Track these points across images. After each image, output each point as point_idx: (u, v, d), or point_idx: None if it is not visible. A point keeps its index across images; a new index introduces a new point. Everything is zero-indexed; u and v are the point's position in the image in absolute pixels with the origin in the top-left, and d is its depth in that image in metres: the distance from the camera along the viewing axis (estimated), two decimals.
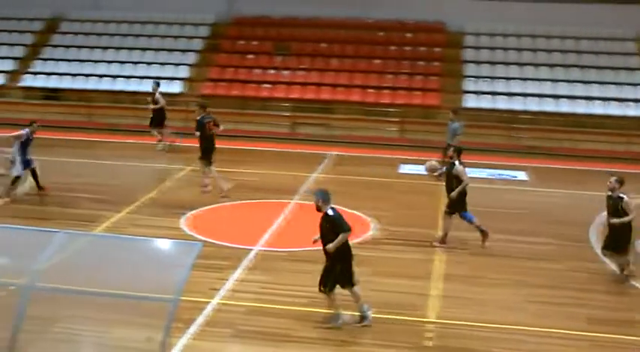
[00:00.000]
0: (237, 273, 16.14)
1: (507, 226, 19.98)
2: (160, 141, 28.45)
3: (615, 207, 15.93)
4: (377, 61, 34.68)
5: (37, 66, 35.61)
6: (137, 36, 36.52)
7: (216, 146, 22.31)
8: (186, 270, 10.70)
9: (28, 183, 21.44)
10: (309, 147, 29.15)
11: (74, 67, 35.20)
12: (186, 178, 24.27)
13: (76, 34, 36.92)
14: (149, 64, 34.98)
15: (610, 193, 16.06)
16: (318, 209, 13.57)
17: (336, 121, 32.15)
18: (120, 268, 12.61)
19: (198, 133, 22.10)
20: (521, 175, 26.27)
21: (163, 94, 29.07)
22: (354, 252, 13.69)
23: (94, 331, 13.35)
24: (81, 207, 20.88)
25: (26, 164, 21.02)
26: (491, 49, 35.20)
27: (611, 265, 16.75)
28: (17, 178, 20.96)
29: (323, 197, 13.56)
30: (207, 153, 22.20)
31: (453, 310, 14.51)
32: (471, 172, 25.44)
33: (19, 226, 14.80)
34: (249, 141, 29.83)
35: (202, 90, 33.79)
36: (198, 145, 22.37)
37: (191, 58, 35.46)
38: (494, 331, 13.68)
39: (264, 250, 17.62)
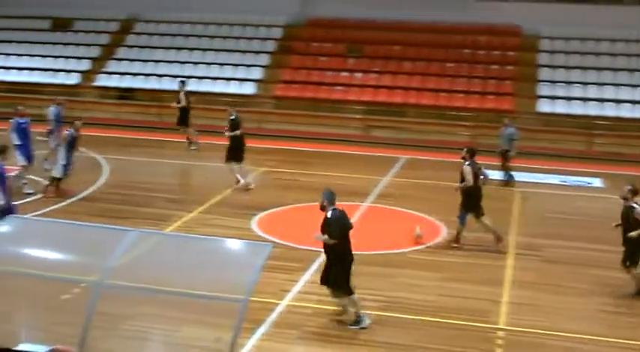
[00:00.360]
0: (307, 275, 16.10)
1: (580, 233, 19.65)
2: (190, 139, 28.81)
3: (626, 216, 15.26)
4: (450, 65, 34.42)
5: (112, 66, 36.08)
6: (212, 37, 36.75)
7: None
8: (256, 271, 10.68)
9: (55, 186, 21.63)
10: (381, 151, 29.02)
11: (148, 68, 35.57)
12: (258, 179, 24.32)
13: (150, 34, 37.32)
14: (222, 65, 35.19)
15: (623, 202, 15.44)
16: (322, 208, 13.65)
17: (408, 124, 31.97)
18: (190, 267, 12.64)
19: (232, 133, 22.92)
20: (597, 182, 25.79)
21: (192, 94, 29.46)
22: (425, 256, 13.56)
23: (163, 329, 13.42)
24: (153, 206, 21.07)
25: (68, 165, 21.25)
26: (567, 53, 34.69)
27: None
28: (56, 179, 21.17)
29: (328, 197, 13.64)
30: (239, 151, 22.92)
31: (523, 317, 14.28)
32: (545, 178, 25.29)
33: (93, 224, 14.99)
34: (321, 143, 29.82)
35: (275, 92, 33.89)
36: (228, 144, 23.09)
37: (264, 59, 35.58)
38: (566, 340, 13.42)
39: None
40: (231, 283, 11.38)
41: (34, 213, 19.05)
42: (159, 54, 36.25)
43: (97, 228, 13.24)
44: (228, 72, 34.88)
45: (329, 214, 13.54)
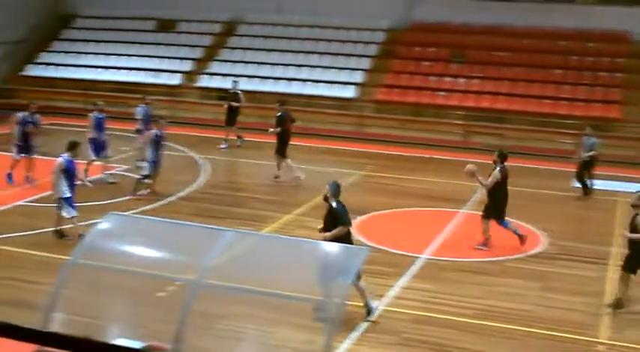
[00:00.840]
0: (403, 281, 15.96)
1: None
2: (239, 137, 29.14)
3: (632, 222, 14.61)
4: (556, 71, 33.78)
5: (214, 67, 36.46)
6: (315, 40, 36.84)
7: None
8: (352, 275, 10.61)
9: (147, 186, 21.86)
10: (482, 157, 28.41)
11: (250, 69, 35.84)
12: (357, 183, 24.27)
13: (253, 36, 37.60)
14: (325, 68, 35.24)
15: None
16: (326, 199, 13.98)
17: (510, 131, 31.44)
18: (285, 269, 12.65)
19: (279, 129, 23.53)
20: None
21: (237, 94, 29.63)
22: (523, 265, 13.30)
23: (257, 330, 13.44)
24: (251, 207, 21.18)
25: (156, 164, 21.49)
26: None
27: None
28: (146, 176, 21.41)
29: (332, 189, 13.94)
30: (285, 147, 23.58)
31: (625, 331, 13.87)
32: None
33: (190, 223, 15.11)
34: (421, 148, 29.59)
35: (376, 96, 33.79)
36: (276, 140, 23.59)
37: (366, 63, 35.52)
38: None
39: (431, 259, 17.39)
40: (326, 286, 11.35)
41: (133, 211, 19.34)
42: (261, 56, 36.49)
43: (195, 227, 13.34)
44: (330, 75, 34.91)
45: (334, 205, 13.81)
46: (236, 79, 31.57)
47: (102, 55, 38.07)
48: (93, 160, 22.81)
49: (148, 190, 21.51)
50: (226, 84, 35.12)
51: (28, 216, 19.75)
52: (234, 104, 29.03)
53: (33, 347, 9.66)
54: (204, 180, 23.72)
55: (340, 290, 10.93)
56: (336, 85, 34.34)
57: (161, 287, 13.64)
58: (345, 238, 13.59)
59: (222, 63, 36.60)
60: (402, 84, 34.18)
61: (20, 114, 22.70)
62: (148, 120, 24.92)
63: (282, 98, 25.81)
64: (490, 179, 17.77)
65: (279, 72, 35.52)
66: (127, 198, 21.25)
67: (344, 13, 36.89)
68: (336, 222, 13.71)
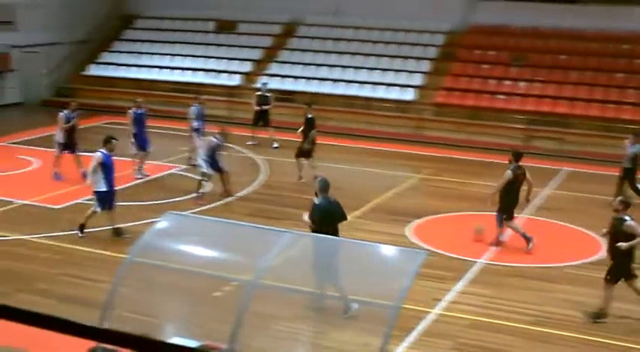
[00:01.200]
0: (460, 285, 15.84)
1: None
2: (254, 137, 29.30)
3: (616, 228, 14.20)
4: (619, 75, 33.27)
5: (273, 68, 36.54)
6: (374, 42, 36.75)
7: None
8: (409, 278, 10.54)
9: (208, 186, 21.89)
10: (542, 162, 28.26)
11: (309, 71, 35.86)
12: (414, 186, 24.16)
13: (312, 38, 37.62)
14: (384, 70, 35.13)
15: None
16: (316, 195, 14.31)
17: (572, 136, 31.04)
18: (342, 271, 12.62)
19: (314, 131, 23.82)
20: None
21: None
22: (582, 272, 13.10)
23: (312, 331, 13.42)
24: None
25: (215, 168, 21.57)
26: None
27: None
28: (205, 175, 21.50)
29: (320, 185, 14.27)
30: (313, 148, 23.75)
31: None
32: None
33: (248, 223, 15.13)
34: (480, 152, 29.32)
35: (435, 99, 33.59)
36: (302, 141, 23.77)
37: (425, 66, 35.34)
38: None
39: (488, 263, 17.23)
40: (382, 289, 11.28)
41: (191, 211, 19.45)
42: (320, 58, 36.50)
43: (251, 228, 13.35)
44: (389, 77, 34.80)
45: (316, 201, 14.19)
46: (265, 80, 32.01)
47: (162, 56, 38.38)
48: (136, 154, 23.52)
49: (205, 189, 21.62)
50: (285, 85, 35.26)
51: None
52: (265, 107, 29.24)
53: (90, 343, 9.71)
54: (262, 181, 23.78)
55: (396, 293, 10.84)
56: (394, 88, 34.21)
57: (217, 286, 13.69)
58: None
59: (281, 64, 36.67)
60: (462, 87, 33.94)
61: (63, 113, 23.05)
62: (202, 119, 25.29)
63: (311, 99, 25.94)
64: (501, 180, 18.04)
65: (337, 74, 35.49)
66: (186, 197, 21.37)
67: (403, 16, 36.71)
68: (313, 217, 14.03)
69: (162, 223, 12.02)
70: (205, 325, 12.55)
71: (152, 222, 13.99)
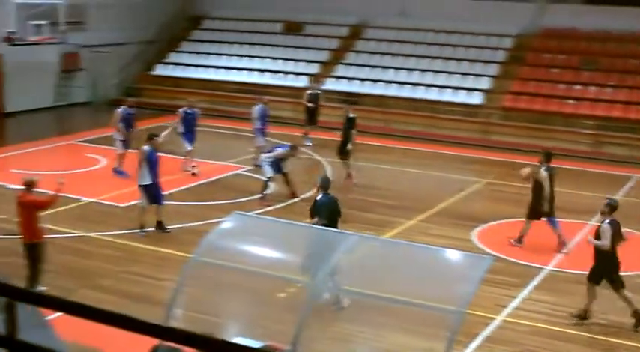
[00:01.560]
0: (526, 291, 15.64)
1: None
2: (306, 134, 29.25)
3: (597, 231, 14.51)
4: None
5: (340, 70, 36.49)
6: (442, 45, 36.51)
7: None
8: (474, 284, 10.41)
9: (272, 187, 21.89)
10: (612, 168, 27.83)
11: (376, 73, 35.75)
12: (480, 190, 23.93)
13: (380, 40, 37.50)
14: (450, 73, 34.89)
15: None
16: (317, 190, 15.04)
17: None
18: (406, 275, 12.51)
19: (355, 131, 23.74)
20: None
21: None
22: None
23: (374, 334, 13.34)
24: (373, 211, 21.09)
25: (277, 170, 21.61)
26: None
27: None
28: (269, 179, 21.55)
29: (322, 182, 15.07)
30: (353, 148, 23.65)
31: None
32: None
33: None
34: None
35: (502, 103, 33.25)
36: (343, 141, 23.72)
37: (493, 69, 35.00)
38: None
39: (554, 270, 16.98)
40: (446, 294, 11.16)
41: (257, 211, 19.48)
42: (387, 60, 36.37)
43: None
44: (456, 81, 34.54)
45: (318, 198, 14.87)
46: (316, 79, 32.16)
47: (228, 56, 38.59)
48: (189, 151, 24.01)
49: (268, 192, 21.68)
50: (352, 88, 35.22)
51: (153, 212, 20.11)
52: (310, 105, 29.39)
53: (154, 341, 9.73)
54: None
55: (460, 298, 10.71)
56: (461, 91, 33.95)
57: (280, 288, 13.68)
58: None
59: (347, 66, 36.62)
60: (530, 91, 33.53)
61: (120, 110, 23.36)
62: (265, 119, 25.47)
63: (353, 99, 25.93)
64: (544, 183, 18.17)
65: (403, 76, 35.33)
66: (251, 198, 21.43)
67: (471, 18, 36.44)
68: (315, 213, 14.66)
69: (227, 223, 12.03)
70: (268, 326, 12.54)
71: (217, 222, 14.03)
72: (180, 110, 24.26)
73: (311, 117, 29.47)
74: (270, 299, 13.46)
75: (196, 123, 24.42)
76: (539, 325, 14.03)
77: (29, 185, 14.50)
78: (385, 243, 14.47)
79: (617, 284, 14.34)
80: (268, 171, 21.34)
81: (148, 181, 18.22)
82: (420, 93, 34.37)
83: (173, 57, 39.49)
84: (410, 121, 32.97)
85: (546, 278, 16.44)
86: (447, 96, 33.88)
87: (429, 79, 34.93)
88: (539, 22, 35.96)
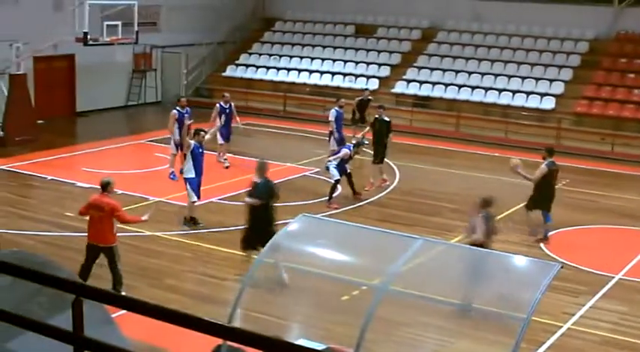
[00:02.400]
0: (594, 300, 15.41)
1: None
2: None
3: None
4: None
5: (411, 73, 36.34)
6: (515, 49, 36.16)
7: None
8: (541, 290, 10.30)
9: (340, 190, 21.92)
10: None
11: (447, 77, 35.55)
12: None
13: (452, 44, 37.28)
14: (523, 78, 34.52)
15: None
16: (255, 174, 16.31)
17: None
18: (471, 280, 12.42)
19: (391, 135, 23.55)
20: None
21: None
22: None
23: (439, 340, 13.28)
24: (439, 215, 20.99)
25: (342, 172, 21.63)
26: None
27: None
28: (337, 182, 21.57)
29: (259, 166, 16.35)
30: (383, 152, 23.40)
31: None
32: None
33: (379, 228, 15.08)
34: (621, 164, 28.41)
35: (575, 108, 32.79)
36: (377, 145, 23.36)
37: (567, 74, 34.53)
38: None
39: (625, 279, 16.70)
40: (512, 300, 11.07)
41: (322, 214, 19.48)
42: (459, 64, 36.13)
43: (382, 233, 13.28)
44: (529, 85, 34.18)
45: (257, 180, 16.05)
46: (367, 87, 32.66)
47: (300, 58, 38.69)
48: (221, 144, 24.83)
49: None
50: (422, 91, 35.07)
51: (218, 213, 20.27)
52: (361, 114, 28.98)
53: (218, 340, 9.79)
54: (395, 186, 23.68)
55: (527, 305, 10.61)
56: (533, 96, 33.58)
57: (344, 290, 13.68)
58: (260, 211, 15.69)
59: (418, 69, 36.46)
60: (604, 96, 33.03)
61: (175, 111, 23.54)
62: (340, 123, 25.41)
63: (382, 104, 25.75)
64: (537, 173, 19.03)
65: (475, 80, 35.07)
66: (319, 200, 21.48)
67: (545, 22, 36.03)
68: (254, 195, 15.84)
69: (293, 225, 12.06)
70: (332, 328, 12.55)
71: (284, 224, 14.08)
72: (217, 105, 25.20)
73: (358, 120, 29.07)
74: (333, 302, 13.47)
75: (231, 118, 25.16)
76: (606, 335, 13.82)
77: (105, 187, 14.65)
78: (450, 248, 14.37)
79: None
80: (335, 174, 21.36)
81: (192, 175, 18.90)
82: (492, 97, 34.08)
83: (244, 58, 39.71)
84: (481, 125, 32.69)
85: (616, 287, 16.19)
86: (519, 100, 33.54)
87: (501, 83, 34.62)
88: (616, 26, 35.41)
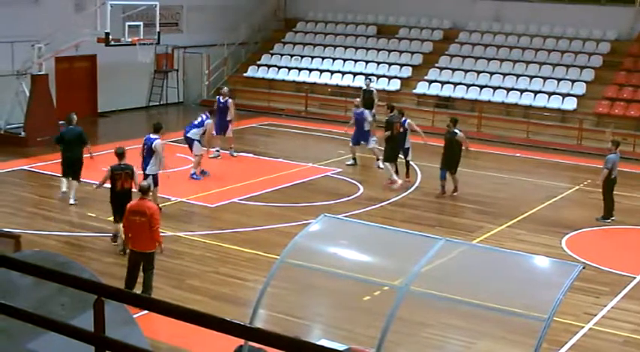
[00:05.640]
0: (616, 301, 15.34)
1: None
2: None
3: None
4: None
5: (432, 74, 36.27)
6: (536, 50, 36.03)
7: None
8: (562, 291, 10.27)
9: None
10: None
11: (468, 77, 35.46)
12: (572, 197, 23.54)
13: (473, 44, 37.19)
14: (545, 78, 34.40)
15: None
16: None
17: None
18: (494, 281, 12.39)
19: (388, 133, 23.10)
20: None
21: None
22: None
23: (461, 340, 13.26)
24: (461, 216, 20.96)
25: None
26: None
27: None
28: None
29: (67, 118, 19.96)
30: (394, 153, 23.27)
31: None
32: None
33: (401, 229, 15.08)
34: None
35: (596, 109, 32.65)
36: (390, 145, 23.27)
37: (589, 74, 34.39)
38: None
39: None
40: (534, 300, 11.04)
41: (345, 214, 19.47)
42: (480, 64, 36.03)
43: (404, 233, 13.28)
44: (550, 86, 34.05)
45: (64, 130, 19.87)
46: (371, 77, 32.42)
47: (322, 59, 38.68)
48: (213, 136, 25.02)
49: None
50: (444, 91, 35.01)
51: (241, 213, 20.30)
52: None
53: (239, 341, 9.81)
54: (417, 186, 23.65)
55: (548, 305, 10.58)
56: (555, 97, 33.45)
57: (366, 291, 13.68)
58: None
59: (440, 70, 36.39)
60: (626, 97, 32.88)
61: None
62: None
63: (391, 103, 25.96)
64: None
65: (497, 81, 34.96)
66: (340, 200, 21.49)
67: (567, 23, 35.91)
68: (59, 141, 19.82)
69: (315, 225, 12.07)
70: (353, 329, 12.55)
71: (305, 224, 14.09)
72: (217, 98, 26.33)
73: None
74: (355, 303, 13.47)
75: (226, 112, 25.77)
76: (628, 335, 13.76)
77: (145, 192, 14.62)
78: (472, 248, 14.34)
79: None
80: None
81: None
82: (514, 98, 33.97)
83: (266, 59, 39.76)
84: (502, 126, 32.60)
85: (637, 288, 16.10)
86: (541, 101, 33.43)
87: (522, 83, 34.51)
88: (637, 26, 35.25)
